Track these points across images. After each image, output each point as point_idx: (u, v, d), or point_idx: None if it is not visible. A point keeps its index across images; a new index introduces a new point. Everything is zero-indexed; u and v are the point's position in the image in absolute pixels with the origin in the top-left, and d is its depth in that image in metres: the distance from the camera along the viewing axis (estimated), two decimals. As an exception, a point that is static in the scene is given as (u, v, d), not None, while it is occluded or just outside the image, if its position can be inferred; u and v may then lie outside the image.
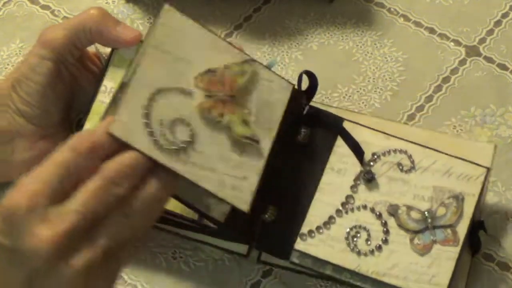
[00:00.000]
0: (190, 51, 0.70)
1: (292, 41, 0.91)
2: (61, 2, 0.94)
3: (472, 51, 0.90)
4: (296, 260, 0.72)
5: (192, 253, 0.77)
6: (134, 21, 0.92)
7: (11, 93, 0.74)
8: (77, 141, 0.60)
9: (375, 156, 0.74)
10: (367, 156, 0.74)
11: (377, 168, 0.74)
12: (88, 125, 0.73)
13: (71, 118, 0.77)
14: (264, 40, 0.91)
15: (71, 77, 0.76)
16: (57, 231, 0.57)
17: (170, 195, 0.64)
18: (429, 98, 0.87)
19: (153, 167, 0.62)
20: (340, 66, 0.89)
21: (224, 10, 0.93)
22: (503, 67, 0.89)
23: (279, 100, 0.72)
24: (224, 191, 0.68)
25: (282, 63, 0.89)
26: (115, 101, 0.66)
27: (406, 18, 0.93)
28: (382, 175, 0.73)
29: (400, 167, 0.73)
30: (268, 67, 0.73)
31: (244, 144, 0.70)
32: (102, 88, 0.73)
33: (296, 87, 0.74)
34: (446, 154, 0.74)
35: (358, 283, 0.71)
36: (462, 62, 0.90)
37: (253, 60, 0.72)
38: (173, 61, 0.69)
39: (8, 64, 0.89)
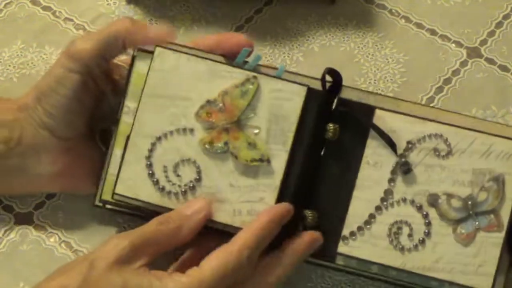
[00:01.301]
0: (187, 88, 0.71)
1: (294, 43, 0.91)
2: (63, 3, 0.94)
3: (474, 52, 0.90)
4: (341, 263, 0.71)
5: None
6: (135, 23, 0.92)
7: (36, 105, 0.72)
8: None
9: (410, 145, 0.71)
10: (402, 146, 0.71)
11: (413, 157, 0.71)
12: (117, 149, 0.72)
13: (93, 127, 0.76)
14: (265, 41, 0.91)
15: (96, 89, 0.74)
16: None
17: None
18: (430, 100, 0.87)
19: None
20: (341, 67, 0.89)
21: (225, 12, 0.93)
22: (504, 68, 0.89)
23: (291, 109, 0.71)
24: (240, 219, 0.69)
25: (283, 64, 0.89)
26: (120, 160, 0.70)
27: (408, 20, 0.93)
28: (419, 164, 0.71)
29: (437, 153, 0.71)
30: (277, 76, 0.72)
31: (256, 167, 0.70)
32: (125, 109, 0.72)
33: (310, 86, 0.72)
34: (484, 132, 0.71)
35: (406, 280, 0.70)
36: (464, 64, 0.90)
37: (255, 77, 0.71)
38: (171, 104, 0.70)
39: (9, 66, 0.89)
